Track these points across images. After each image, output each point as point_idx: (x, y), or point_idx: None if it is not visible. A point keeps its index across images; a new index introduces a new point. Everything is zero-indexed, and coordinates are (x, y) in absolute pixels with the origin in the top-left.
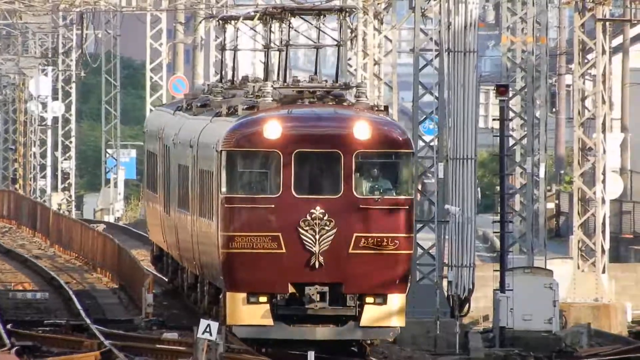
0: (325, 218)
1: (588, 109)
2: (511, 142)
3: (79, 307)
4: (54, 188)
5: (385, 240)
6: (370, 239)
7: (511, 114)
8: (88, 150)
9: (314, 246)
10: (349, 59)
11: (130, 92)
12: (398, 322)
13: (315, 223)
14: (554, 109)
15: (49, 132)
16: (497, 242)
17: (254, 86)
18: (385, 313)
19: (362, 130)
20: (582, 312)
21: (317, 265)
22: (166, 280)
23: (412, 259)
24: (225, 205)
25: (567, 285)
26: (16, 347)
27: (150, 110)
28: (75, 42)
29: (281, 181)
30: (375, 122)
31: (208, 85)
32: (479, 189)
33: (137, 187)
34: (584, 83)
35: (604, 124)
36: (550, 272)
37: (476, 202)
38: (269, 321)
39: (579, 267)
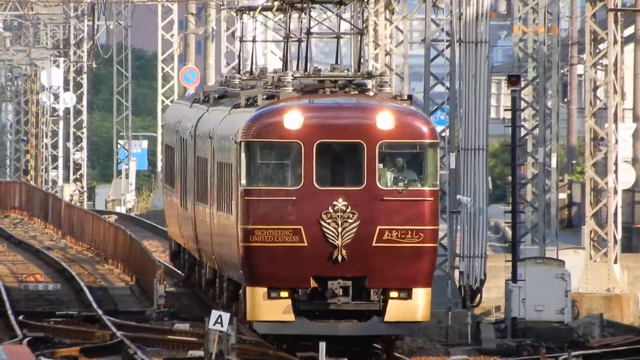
0: (348, 210)
1: (600, 99)
2: (523, 132)
3: (90, 298)
4: (66, 179)
5: (409, 233)
6: (394, 232)
7: (523, 104)
8: (100, 141)
9: (337, 239)
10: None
11: (141, 83)
12: (423, 317)
13: (338, 215)
14: (565, 99)
15: (61, 123)
16: (509, 233)
17: (273, 76)
18: (410, 308)
19: (385, 120)
20: (594, 303)
21: (339, 259)
22: (182, 274)
23: (437, 251)
24: (245, 198)
25: (579, 276)
26: (28, 338)
27: (162, 101)
28: (87, 33)
29: (302, 173)
30: (398, 112)
31: (226, 77)
32: (489, 179)
33: (148, 177)
34: (595, 73)
35: (615, 113)
36: (562, 262)
37: (487, 192)
38: (291, 317)
39: (591, 258)
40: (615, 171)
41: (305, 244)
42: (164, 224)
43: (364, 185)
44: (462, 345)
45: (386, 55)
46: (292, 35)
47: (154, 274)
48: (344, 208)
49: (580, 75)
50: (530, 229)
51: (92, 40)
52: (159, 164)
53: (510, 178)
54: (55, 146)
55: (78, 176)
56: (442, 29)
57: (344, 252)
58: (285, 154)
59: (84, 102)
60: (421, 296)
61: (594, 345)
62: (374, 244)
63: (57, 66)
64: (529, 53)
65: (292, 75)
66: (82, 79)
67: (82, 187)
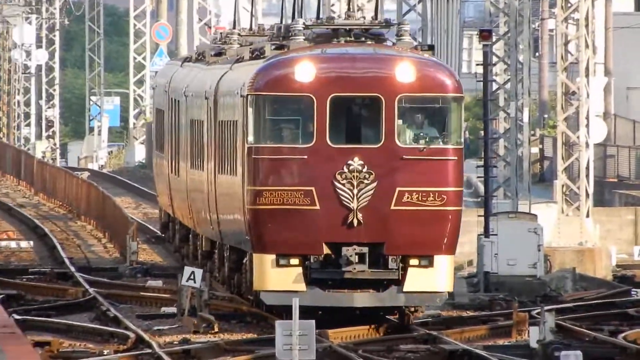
0: (364, 170)
1: (571, 53)
2: (495, 86)
3: (63, 255)
4: (38, 136)
5: (431, 195)
6: (414, 194)
7: (494, 59)
8: (72, 98)
9: (352, 202)
10: (332, 4)
11: (113, 40)
12: (445, 286)
13: (353, 176)
14: (537, 54)
15: (33, 80)
16: (481, 187)
17: (280, 27)
18: (431, 277)
19: (405, 72)
20: (566, 257)
21: (355, 223)
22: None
23: (461, 216)
24: (252, 157)
25: (552, 230)
26: (1, 296)
27: (134, 58)
28: None
29: (315, 129)
30: (420, 63)
31: (221, 34)
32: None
33: (120, 134)
34: (567, 27)
35: (587, 68)
36: (534, 216)
37: None
38: (301, 286)
39: (563, 212)
40: (587, 125)
41: (318, 207)
42: (136, 181)
43: (381, 143)
44: None
45: (358, 10)
46: None
47: (127, 230)
48: (359, 168)
49: (551, 30)
50: (503, 184)
51: None
52: (131, 120)
53: (482, 133)
54: (27, 103)
55: (50, 133)
56: None
57: (359, 215)
58: (296, 108)
59: (56, 59)
60: (443, 264)
61: (566, 299)
62: (392, 207)
63: (29, 23)
64: (501, 8)
65: (304, 24)
66: (54, 36)
67: (55, 144)
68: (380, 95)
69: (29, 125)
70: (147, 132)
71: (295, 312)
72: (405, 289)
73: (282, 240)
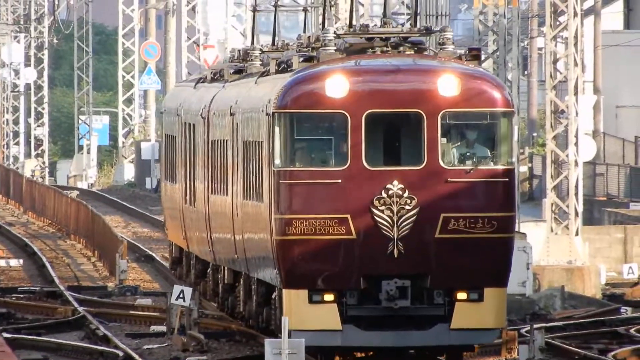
0: (405, 195)
1: (560, 72)
2: None
3: (52, 274)
4: (27, 155)
5: (480, 222)
6: (461, 220)
7: None
8: (61, 116)
9: (392, 230)
10: (321, 23)
11: (102, 58)
12: (497, 323)
13: (393, 201)
14: (526, 72)
15: (22, 98)
16: None
17: (309, 37)
18: (482, 312)
19: (449, 85)
20: (555, 275)
21: (395, 254)
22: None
23: (513, 244)
24: (280, 182)
25: (541, 248)
26: None
27: (123, 76)
28: (48, 8)
29: (349, 150)
30: (465, 75)
31: (239, 51)
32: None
33: (109, 152)
34: (555, 46)
35: (576, 86)
36: (523, 235)
37: None
38: (337, 324)
39: (552, 230)
40: (576, 143)
41: (354, 236)
42: (125, 199)
43: (423, 165)
44: None
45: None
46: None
47: (116, 249)
48: (400, 192)
49: (540, 48)
50: None
51: (53, 16)
52: (120, 139)
53: None
54: (16, 122)
55: (39, 152)
56: (403, 2)
57: (400, 245)
58: (328, 127)
59: (45, 78)
60: (495, 298)
61: (555, 318)
62: (437, 235)
63: (18, 42)
64: (490, 26)
65: (335, 33)
66: (42, 54)
67: (44, 163)
68: (421, 111)
69: (17, 144)
70: (136, 150)
71: (285, 330)
72: (452, 326)
73: (314, 274)
